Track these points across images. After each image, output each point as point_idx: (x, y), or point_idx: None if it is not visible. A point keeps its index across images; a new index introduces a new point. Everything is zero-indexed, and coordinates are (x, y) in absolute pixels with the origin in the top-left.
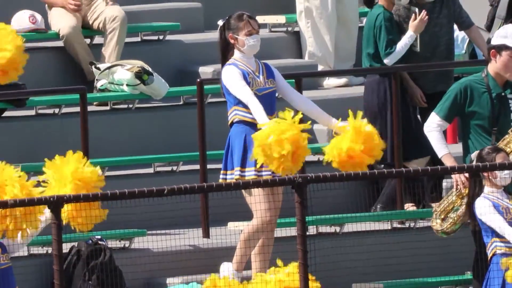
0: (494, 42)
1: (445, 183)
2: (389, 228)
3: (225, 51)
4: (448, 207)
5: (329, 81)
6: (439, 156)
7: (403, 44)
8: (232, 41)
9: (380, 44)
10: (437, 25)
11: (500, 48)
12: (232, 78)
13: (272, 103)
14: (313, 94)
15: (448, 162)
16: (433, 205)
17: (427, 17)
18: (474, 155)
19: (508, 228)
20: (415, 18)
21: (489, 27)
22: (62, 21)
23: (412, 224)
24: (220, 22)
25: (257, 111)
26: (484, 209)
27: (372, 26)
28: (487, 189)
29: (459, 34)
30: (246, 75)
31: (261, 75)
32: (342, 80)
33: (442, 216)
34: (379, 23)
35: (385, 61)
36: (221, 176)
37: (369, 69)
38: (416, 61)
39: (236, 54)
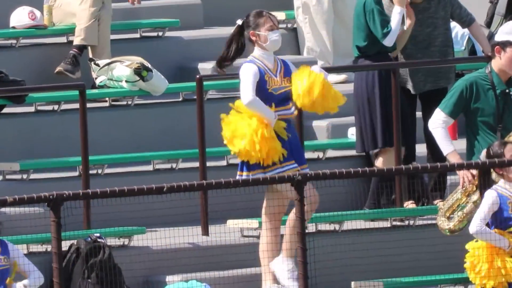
0: (498, 38)
1: (449, 181)
2: (389, 226)
3: (238, 50)
4: (454, 205)
5: (329, 78)
6: (445, 153)
7: (395, 22)
8: (253, 38)
9: (376, 27)
10: (430, 25)
11: (505, 45)
12: (246, 76)
13: (287, 103)
14: None
15: (454, 160)
16: (439, 203)
17: None
18: (482, 156)
19: (478, 224)
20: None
21: (488, 24)
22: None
23: (411, 222)
24: (239, 22)
25: (261, 108)
26: (484, 200)
27: (362, 13)
28: (501, 182)
29: (458, 31)
30: (263, 73)
31: (278, 73)
32: (342, 76)
33: (448, 214)
34: (370, 7)
35: (385, 43)
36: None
37: (370, 65)
38: (407, 59)
39: (256, 51)
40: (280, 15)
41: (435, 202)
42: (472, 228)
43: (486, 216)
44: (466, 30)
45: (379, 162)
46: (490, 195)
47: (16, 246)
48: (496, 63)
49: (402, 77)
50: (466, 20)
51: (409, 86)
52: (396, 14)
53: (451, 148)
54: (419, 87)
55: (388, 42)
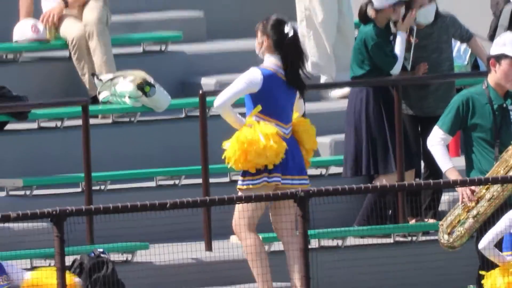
0: (492, 51)
1: (447, 196)
2: (391, 242)
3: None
4: (454, 221)
5: (335, 92)
6: (443, 170)
7: (399, 48)
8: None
9: (382, 61)
10: (436, 50)
11: (499, 57)
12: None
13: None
14: (316, 106)
15: (453, 176)
16: (440, 221)
17: (413, 14)
18: None
19: (488, 242)
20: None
21: (492, 37)
22: (73, 29)
23: (414, 238)
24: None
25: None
26: (503, 217)
27: (363, 47)
28: None
29: (461, 46)
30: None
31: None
32: (346, 90)
33: (449, 230)
34: (372, 43)
35: (393, 72)
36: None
37: (372, 80)
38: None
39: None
40: None
41: (427, 220)
42: (481, 244)
43: (498, 236)
44: None
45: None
46: (510, 216)
47: (11, 262)
48: (492, 77)
49: (409, 103)
50: (466, 37)
51: (417, 111)
52: (399, 42)
53: (449, 165)
54: (430, 111)
55: (395, 71)
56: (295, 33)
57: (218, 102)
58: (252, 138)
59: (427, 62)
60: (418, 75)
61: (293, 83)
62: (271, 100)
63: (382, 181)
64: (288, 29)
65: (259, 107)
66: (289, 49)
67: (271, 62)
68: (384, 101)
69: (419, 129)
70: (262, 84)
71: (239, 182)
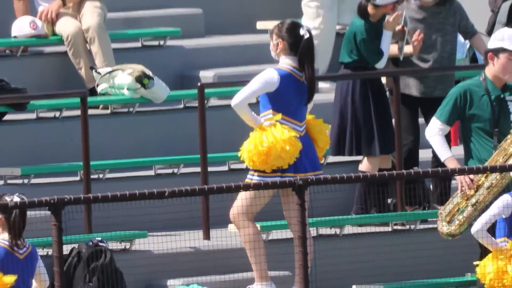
0: (491, 45)
1: (453, 185)
2: (390, 230)
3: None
4: (453, 209)
5: (326, 84)
6: (442, 159)
7: (386, 44)
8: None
9: (369, 55)
10: (440, 30)
11: (498, 51)
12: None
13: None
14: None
15: (452, 165)
16: (439, 208)
17: (399, 14)
18: None
19: (480, 226)
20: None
21: (489, 33)
22: (68, 26)
23: (412, 226)
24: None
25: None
26: (496, 201)
27: (352, 39)
28: None
29: (460, 38)
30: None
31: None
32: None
33: (448, 219)
34: (360, 38)
35: (378, 66)
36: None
37: (369, 73)
38: (415, 65)
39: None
40: None
41: (438, 207)
42: (474, 228)
43: (491, 219)
44: None
45: (361, 167)
46: (503, 199)
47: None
48: (490, 70)
49: (407, 82)
50: (470, 32)
51: (415, 90)
52: (385, 38)
53: (448, 154)
54: (427, 92)
55: (380, 65)
56: (310, 35)
57: (235, 101)
58: (269, 145)
59: (429, 40)
60: (415, 45)
61: (311, 88)
62: (287, 99)
63: (365, 163)
64: (303, 32)
65: (279, 115)
66: (304, 51)
67: (287, 63)
68: (371, 84)
69: (420, 113)
70: (279, 84)
71: (250, 176)
